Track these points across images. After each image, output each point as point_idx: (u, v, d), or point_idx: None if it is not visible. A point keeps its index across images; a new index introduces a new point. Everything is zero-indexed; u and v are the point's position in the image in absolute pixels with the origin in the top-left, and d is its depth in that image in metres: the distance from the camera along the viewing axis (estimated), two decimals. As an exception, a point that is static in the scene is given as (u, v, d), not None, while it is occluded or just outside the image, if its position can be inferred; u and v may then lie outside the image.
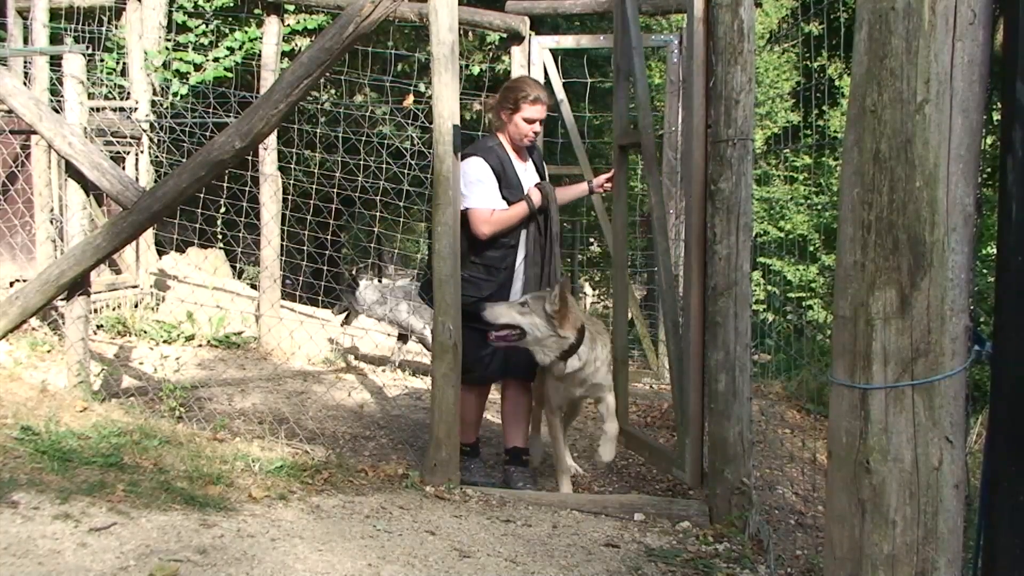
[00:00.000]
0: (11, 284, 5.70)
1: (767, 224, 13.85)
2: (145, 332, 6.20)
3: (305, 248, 6.75)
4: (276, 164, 6.59)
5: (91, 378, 4.34)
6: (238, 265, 8.63)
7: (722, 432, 3.54)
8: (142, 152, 7.00)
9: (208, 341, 6.34)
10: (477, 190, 3.92)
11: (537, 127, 3.99)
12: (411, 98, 6.95)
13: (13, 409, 3.79)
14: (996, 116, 1.73)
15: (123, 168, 6.27)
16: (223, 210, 6.80)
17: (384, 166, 6.48)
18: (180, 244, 7.44)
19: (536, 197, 3.97)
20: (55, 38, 7.01)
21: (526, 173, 4.11)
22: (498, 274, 4.00)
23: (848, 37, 2.14)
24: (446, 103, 3.73)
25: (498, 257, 4.00)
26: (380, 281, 7.38)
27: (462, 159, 3.86)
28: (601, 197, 6.06)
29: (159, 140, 7.10)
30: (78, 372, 4.26)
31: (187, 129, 7.06)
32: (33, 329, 5.31)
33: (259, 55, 6.91)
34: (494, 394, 4.80)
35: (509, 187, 3.98)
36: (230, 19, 8.46)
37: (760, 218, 13.57)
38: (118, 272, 6.76)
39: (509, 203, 3.97)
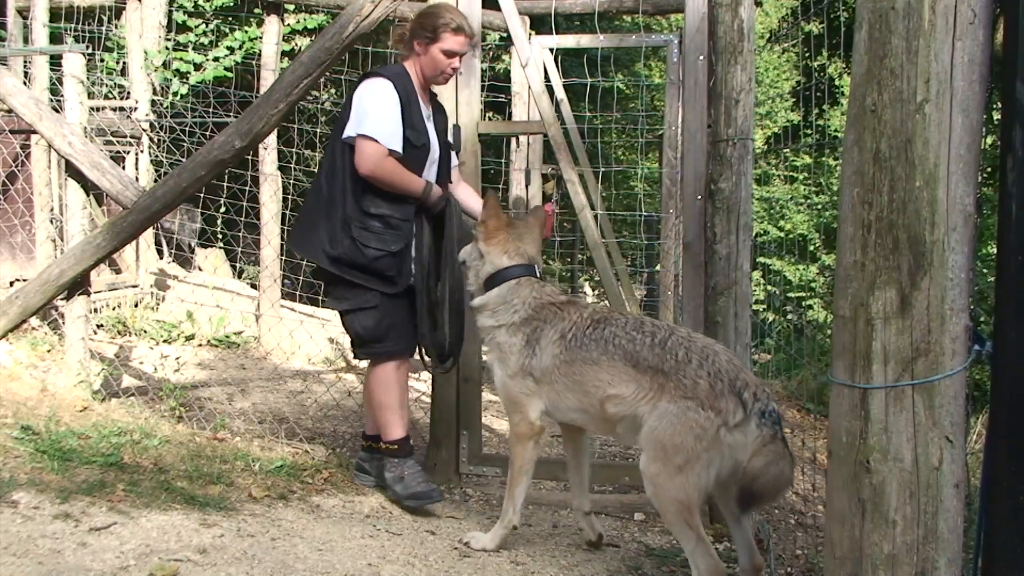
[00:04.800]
0: (11, 284, 5.70)
1: (767, 224, 13.85)
2: (145, 332, 6.20)
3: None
4: (276, 164, 6.59)
5: (91, 378, 4.34)
6: (238, 265, 8.62)
7: (722, 432, 3.54)
8: (142, 152, 7.00)
9: (208, 341, 6.34)
10: (377, 117, 3.23)
11: (457, 63, 3.37)
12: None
13: (13, 409, 3.79)
14: (996, 116, 1.72)
15: (123, 168, 6.27)
16: (223, 210, 6.80)
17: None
18: (180, 245, 7.44)
19: (435, 193, 3.35)
20: (55, 38, 7.01)
21: (428, 123, 3.46)
22: (402, 226, 3.33)
23: (848, 36, 2.14)
24: (445, 102, 3.73)
25: (399, 211, 3.33)
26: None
27: (363, 79, 3.35)
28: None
29: (159, 140, 7.10)
30: (78, 372, 4.26)
31: (187, 129, 7.05)
32: (33, 329, 5.30)
33: (259, 55, 6.91)
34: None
35: (413, 127, 3.33)
36: (230, 19, 8.45)
37: (760, 218, 13.57)
38: (118, 272, 6.76)
39: (412, 145, 3.31)
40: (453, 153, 3.62)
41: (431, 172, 3.46)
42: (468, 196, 3.62)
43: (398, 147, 3.27)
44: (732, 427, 2.57)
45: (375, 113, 3.25)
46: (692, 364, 2.65)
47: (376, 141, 3.21)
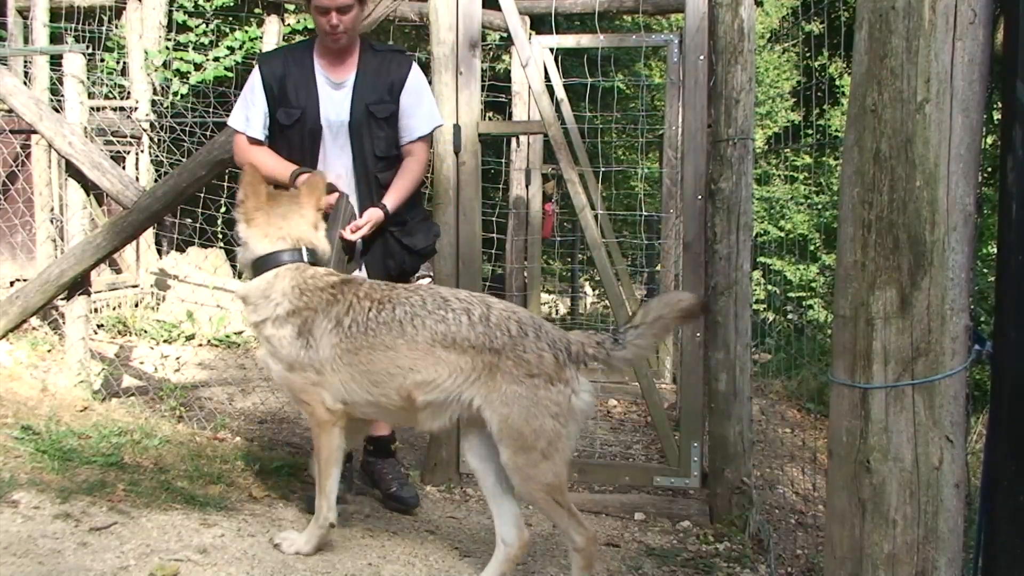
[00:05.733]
0: (11, 284, 5.70)
1: (767, 224, 13.83)
2: (145, 332, 6.20)
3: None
4: (276, 164, 6.58)
5: (91, 378, 4.34)
6: (238, 265, 8.64)
7: (722, 432, 3.54)
8: (142, 152, 7.00)
9: (208, 341, 6.34)
10: (240, 104, 3.18)
11: (335, 20, 2.98)
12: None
13: (13, 408, 3.79)
14: (996, 115, 1.72)
15: (123, 168, 6.27)
16: (223, 210, 6.79)
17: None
18: (180, 243, 7.44)
19: (300, 183, 2.94)
20: (55, 38, 7.02)
21: (336, 92, 3.12)
22: None
23: (849, 36, 2.14)
24: (446, 103, 3.73)
25: None
26: None
27: None
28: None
29: (159, 140, 7.10)
30: (78, 372, 4.26)
31: (187, 129, 7.06)
32: (33, 329, 5.31)
33: (259, 55, 6.91)
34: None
35: (288, 105, 3.09)
36: (230, 18, 8.45)
37: (760, 218, 13.55)
38: (118, 271, 6.76)
39: (281, 125, 3.10)
40: (407, 127, 3.17)
41: (333, 148, 3.13)
42: (394, 185, 3.12)
43: (256, 134, 3.13)
44: (579, 392, 2.49)
45: (240, 102, 3.19)
46: (529, 337, 2.47)
47: (237, 131, 3.17)
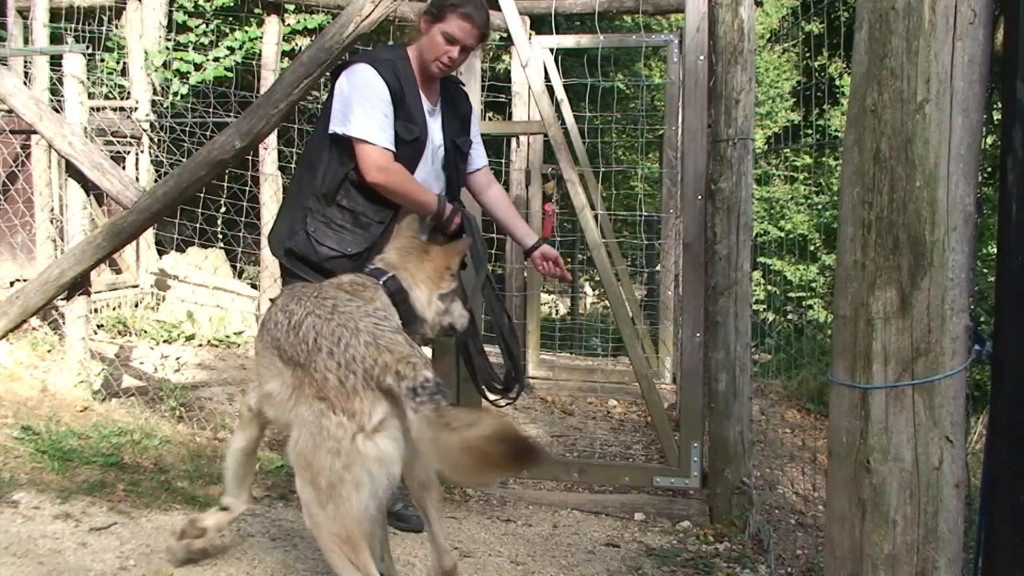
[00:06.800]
0: (11, 284, 5.70)
1: (767, 224, 13.84)
2: (145, 332, 6.19)
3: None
4: (276, 164, 6.59)
5: (91, 378, 4.34)
6: (238, 265, 8.63)
7: (722, 432, 3.55)
8: (142, 152, 7.00)
9: (208, 341, 6.34)
10: (364, 113, 2.81)
11: (455, 54, 2.86)
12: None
13: (13, 409, 3.79)
14: (997, 115, 1.72)
15: (123, 168, 6.27)
16: (223, 210, 6.80)
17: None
18: (180, 244, 7.44)
19: (448, 207, 2.92)
20: (55, 38, 7.01)
21: (432, 119, 2.99)
22: (372, 227, 2.91)
23: (848, 36, 2.14)
24: (446, 103, 3.73)
25: (373, 210, 2.91)
26: None
27: (341, 69, 2.93)
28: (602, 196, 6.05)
29: (159, 140, 7.10)
30: (78, 372, 4.26)
31: (187, 129, 7.05)
32: (33, 329, 5.30)
33: (259, 55, 6.91)
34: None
35: (409, 119, 2.88)
36: (230, 19, 8.46)
37: (760, 218, 13.56)
38: (118, 272, 6.76)
39: (401, 141, 2.87)
40: (475, 156, 3.20)
41: (422, 171, 3.00)
42: (498, 200, 3.23)
43: (391, 145, 2.86)
44: (372, 432, 1.97)
45: (362, 110, 2.82)
46: (322, 353, 2.03)
47: (373, 144, 2.81)
